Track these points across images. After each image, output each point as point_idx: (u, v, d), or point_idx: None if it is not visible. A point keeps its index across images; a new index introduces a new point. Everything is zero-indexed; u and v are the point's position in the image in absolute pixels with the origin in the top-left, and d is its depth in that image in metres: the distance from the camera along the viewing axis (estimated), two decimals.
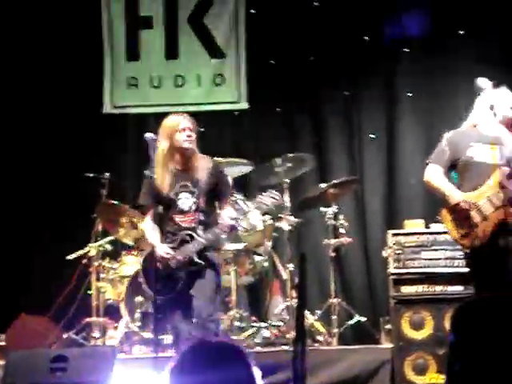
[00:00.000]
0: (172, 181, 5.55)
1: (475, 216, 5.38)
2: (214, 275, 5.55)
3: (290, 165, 7.16)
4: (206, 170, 5.57)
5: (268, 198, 5.54)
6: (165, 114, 5.75)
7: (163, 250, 5.48)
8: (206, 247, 5.50)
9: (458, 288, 6.28)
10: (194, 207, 5.50)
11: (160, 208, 5.59)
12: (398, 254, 6.39)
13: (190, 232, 5.47)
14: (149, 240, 5.72)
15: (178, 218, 5.55)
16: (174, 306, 5.48)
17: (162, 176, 5.54)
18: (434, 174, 5.57)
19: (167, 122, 5.61)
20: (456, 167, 5.58)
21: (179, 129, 5.52)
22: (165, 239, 5.59)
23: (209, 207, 5.60)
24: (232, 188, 6.62)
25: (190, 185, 5.52)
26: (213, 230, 5.49)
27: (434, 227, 6.50)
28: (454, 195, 5.45)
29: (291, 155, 7.19)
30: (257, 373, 2.16)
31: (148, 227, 5.69)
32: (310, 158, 7.47)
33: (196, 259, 5.45)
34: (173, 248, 5.50)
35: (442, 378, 6.06)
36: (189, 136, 5.52)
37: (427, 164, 5.66)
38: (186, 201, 5.52)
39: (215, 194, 5.63)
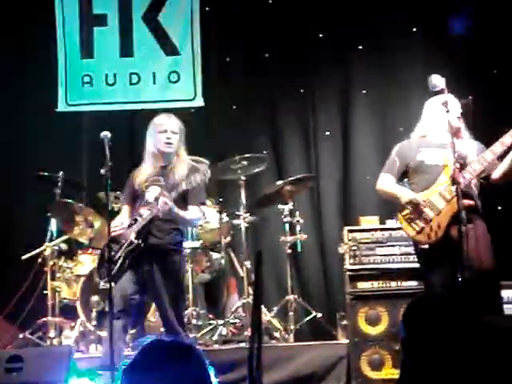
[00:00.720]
0: (145, 176, 5.67)
1: (428, 211, 5.45)
2: (167, 262, 5.60)
3: (246, 163, 7.17)
4: (185, 174, 5.65)
5: (197, 176, 5.55)
6: (120, 112, 5.74)
7: (116, 222, 5.63)
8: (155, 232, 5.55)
9: (413, 283, 6.33)
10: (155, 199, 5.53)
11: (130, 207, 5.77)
12: (354, 250, 6.44)
13: (136, 217, 5.55)
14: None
15: (142, 210, 5.60)
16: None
17: (141, 172, 5.71)
18: (386, 182, 5.71)
19: (153, 121, 5.79)
20: (407, 174, 5.68)
21: (161, 130, 5.65)
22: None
23: (176, 205, 5.60)
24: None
25: (163, 182, 5.59)
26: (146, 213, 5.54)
27: (389, 223, 6.56)
28: (406, 194, 5.53)
29: (247, 154, 7.19)
30: (211, 371, 2.16)
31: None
32: (266, 158, 7.48)
33: (133, 239, 5.51)
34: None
35: (397, 373, 6.09)
36: (168, 138, 5.63)
37: (380, 174, 5.77)
38: (151, 193, 5.56)
39: (185, 198, 5.67)
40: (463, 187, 5.30)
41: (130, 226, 5.58)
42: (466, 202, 5.29)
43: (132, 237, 5.52)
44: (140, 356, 2.10)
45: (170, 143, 5.66)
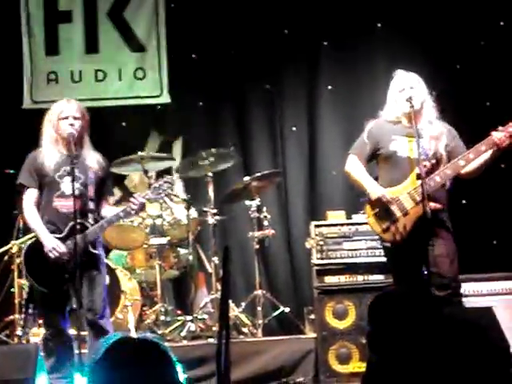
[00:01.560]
0: (57, 164, 5.43)
1: (396, 211, 5.47)
2: (103, 273, 5.50)
3: (213, 159, 7.18)
4: (95, 162, 5.50)
5: (164, 184, 5.54)
6: (86, 109, 5.69)
7: (53, 243, 5.33)
8: (97, 243, 5.44)
9: (379, 277, 6.39)
10: (77, 192, 5.30)
11: (39, 190, 5.47)
12: (321, 244, 6.48)
13: (81, 221, 5.32)
14: (32, 227, 5.53)
15: (57, 202, 5.40)
16: (62, 301, 5.38)
17: (46, 157, 5.44)
18: (355, 167, 5.66)
19: (51, 109, 5.53)
20: (376, 158, 5.68)
21: (62, 117, 5.43)
22: (46, 228, 5.42)
23: (97, 198, 5.50)
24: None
25: (76, 170, 5.33)
26: (117, 213, 5.42)
27: (356, 218, 6.61)
28: (375, 190, 5.53)
29: (214, 150, 7.20)
30: (179, 368, 2.18)
31: (30, 212, 5.48)
32: (233, 153, 7.50)
33: (91, 249, 5.35)
34: (61, 238, 5.36)
35: (365, 366, 6.16)
36: (71, 125, 5.40)
37: (348, 154, 5.75)
38: (69, 184, 5.33)
39: (102, 188, 5.54)
40: (431, 190, 5.33)
41: (71, 232, 5.29)
42: (433, 205, 5.33)
43: (90, 248, 5.34)
44: (107, 354, 2.11)
45: (72, 130, 5.39)
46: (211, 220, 7.14)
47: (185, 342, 6.67)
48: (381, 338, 2.34)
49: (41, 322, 6.69)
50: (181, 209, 7.38)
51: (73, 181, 5.27)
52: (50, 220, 5.43)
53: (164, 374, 2.10)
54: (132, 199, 5.40)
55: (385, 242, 5.59)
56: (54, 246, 5.32)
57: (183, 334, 6.82)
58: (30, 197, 5.50)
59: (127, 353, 2.10)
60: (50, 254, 5.32)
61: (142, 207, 5.59)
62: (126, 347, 2.12)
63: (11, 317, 7.01)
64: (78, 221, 5.28)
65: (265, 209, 7.18)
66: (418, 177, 5.29)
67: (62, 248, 5.31)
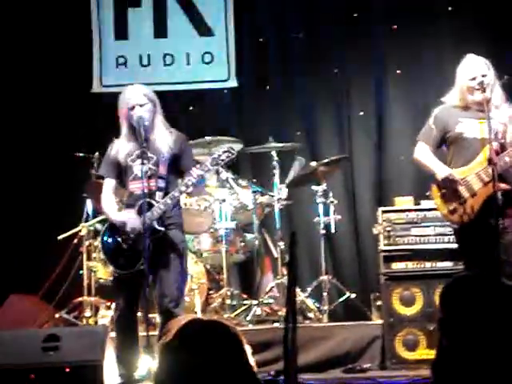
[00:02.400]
0: (130, 150, 5.48)
1: (463, 191, 5.43)
2: (178, 256, 5.45)
3: (279, 145, 7.18)
4: (168, 140, 5.50)
5: (223, 154, 5.51)
6: (154, 94, 5.71)
7: (119, 216, 5.42)
8: (170, 224, 5.43)
9: (448, 264, 6.31)
10: (149, 173, 5.34)
11: (116, 179, 5.55)
12: (388, 231, 6.42)
13: (148, 200, 5.31)
14: (104, 211, 5.67)
15: (132, 185, 5.45)
16: (137, 282, 5.36)
17: (121, 146, 5.52)
18: (423, 152, 5.66)
19: (120, 99, 5.55)
20: (445, 143, 5.63)
21: (129, 106, 5.45)
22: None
23: (171, 176, 5.49)
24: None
25: (147, 152, 5.37)
26: (172, 194, 5.37)
27: (424, 204, 6.53)
28: (442, 171, 5.51)
29: (281, 144, 7.19)
30: (248, 350, 2.18)
31: (105, 199, 5.58)
32: (299, 139, 7.50)
33: (157, 226, 5.34)
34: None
35: (432, 353, 6.07)
36: (139, 113, 5.40)
37: (416, 142, 5.73)
38: (141, 167, 5.36)
39: (178, 165, 5.53)
40: (500, 170, 5.26)
41: (140, 212, 5.33)
42: (503, 185, 5.26)
43: (155, 225, 5.33)
44: (179, 335, 2.12)
45: (140, 118, 5.40)
46: (277, 205, 7.14)
47: (250, 326, 6.68)
48: (453, 324, 2.30)
49: (109, 304, 6.79)
50: (247, 193, 7.37)
51: (142, 164, 5.31)
52: (128, 204, 5.52)
53: (234, 356, 2.10)
54: (191, 171, 5.37)
55: (453, 224, 5.54)
56: (125, 217, 5.37)
57: (249, 318, 6.83)
58: (107, 186, 5.60)
59: (198, 335, 2.11)
60: (128, 228, 5.35)
61: (202, 178, 5.50)
62: (197, 329, 2.13)
63: (80, 299, 7.11)
64: (147, 200, 5.30)
65: (331, 194, 7.14)
66: (490, 161, 5.21)
67: (132, 214, 5.36)
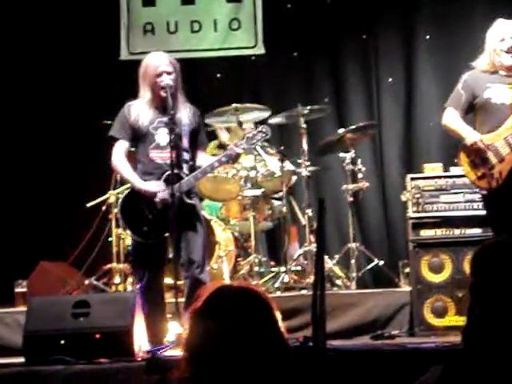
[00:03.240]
0: (151, 117, 5.43)
1: (492, 157, 5.39)
2: (201, 224, 5.47)
3: (307, 112, 7.15)
4: (189, 113, 5.49)
5: (258, 134, 5.51)
6: (181, 61, 5.69)
7: (147, 186, 5.36)
8: (192, 194, 5.44)
9: (477, 231, 6.26)
10: (172, 143, 5.29)
11: (132, 144, 5.50)
12: (417, 197, 6.38)
13: (175, 171, 5.28)
14: (126, 177, 5.57)
15: (153, 153, 5.40)
16: (161, 249, 5.42)
17: (141, 111, 5.45)
18: (452, 118, 5.63)
19: (144, 64, 5.49)
20: (473, 109, 5.59)
21: (156, 73, 5.39)
22: (143, 179, 5.43)
23: (192, 149, 5.50)
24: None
25: (170, 122, 5.32)
26: (204, 168, 5.41)
27: (453, 171, 6.49)
28: (471, 136, 5.48)
29: (309, 107, 7.16)
30: (279, 316, 2.18)
31: (120, 163, 5.51)
32: (327, 108, 7.46)
33: (186, 200, 5.35)
34: None
35: (461, 320, 6.09)
36: (165, 81, 5.35)
37: (445, 108, 5.69)
38: (164, 136, 5.35)
39: (196, 139, 5.54)
40: None
41: (166, 181, 5.31)
42: None
43: (185, 198, 5.33)
44: (208, 301, 2.12)
45: (168, 86, 5.35)
46: (305, 172, 7.13)
47: (278, 293, 6.69)
48: (484, 291, 2.29)
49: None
50: (275, 161, 7.36)
51: (171, 131, 5.30)
52: (146, 171, 5.47)
53: (265, 322, 2.11)
54: (228, 148, 5.40)
55: (481, 190, 5.52)
56: (155, 188, 5.33)
57: (277, 285, 6.84)
58: (119, 148, 5.52)
59: (229, 300, 2.11)
60: (157, 199, 5.34)
61: (237, 158, 5.57)
62: (227, 295, 2.13)
63: (109, 265, 7.16)
64: (175, 172, 5.28)
65: (359, 161, 7.12)
66: None
67: (162, 185, 5.34)
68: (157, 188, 5.35)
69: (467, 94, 5.57)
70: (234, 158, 5.47)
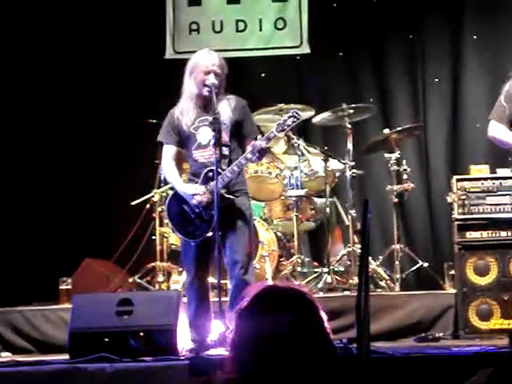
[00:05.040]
0: (193, 116, 5.44)
1: None
2: (246, 223, 5.42)
3: (352, 111, 7.11)
4: (226, 108, 5.44)
5: (289, 119, 5.45)
6: (226, 60, 5.68)
7: (192, 188, 5.37)
8: (236, 191, 5.41)
9: None
10: (213, 141, 5.28)
11: (179, 146, 5.51)
12: (463, 199, 6.31)
13: (212, 167, 5.27)
14: (170, 181, 5.69)
15: (196, 154, 5.42)
16: (206, 249, 5.38)
17: (183, 112, 5.47)
18: (497, 130, 5.65)
19: (193, 62, 5.48)
20: None
21: (205, 71, 5.38)
22: (188, 180, 5.52)
23: (234, 143, 5.45)
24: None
25: (210, 119, 5.32)
26: (238, 161, 5.34)
27: (500, 172, 6.41)
28: None
29: (354, 105, 7.12)
30: (324, 317, 2.16)
31: (167, 167, 5.56)
32: (372, 106, 7.42)
33: (225, 194, 5.31)
34: None
35: (506, 323, 6.05)
36: (211, 80, 5.33)
37: (489, 120, 5.66)
38: (205, 135, 5.36)
39: (240, 131, 5.48)
40: None
41: (205, 180, 5.35)
42: None
43: (224, 193, 5.29)
44: (255, 301, 2.11)
45: (214, 85, 5.33)
46: (349, 172, 7.09)
47: (321, 294, 6.66)
48: None
49: (181, 269, 6.83)
50: (318, 161, 7.33)
51: (215, 131, 5.29)
52: (193, 172, 5.51)
53: (311, 322, 2.09)
54: (251, 145, 5.33)
55: None
56: (192, 192, 5.36)
57: (320, 285, 6.81)
58: (167, 153, 5.56)
59: (275, 300, 2.10)
60: (194, 201, 5.36)
61: (262, 152, 5.41)
62: (274, 295, 2.12)
63: (152, 264, 7.18)
64: (212, 168, 5.29)
65: (404, 162, 7.06)
66: None
67: (201, 188, 5.34)
68: (194, 191, 5.36)
69: (510, 105, 5.53)
70: (258, 154, 5.31)
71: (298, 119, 5.40)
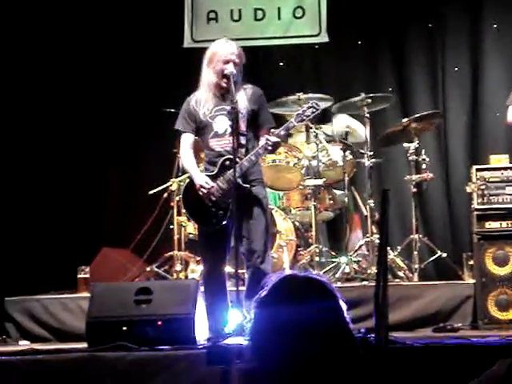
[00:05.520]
0: (210, 105, 5.43)
1: None
2: (263, 212, 5.41)
3: (371, 101, 7.08)
4: (246, 95, 5.43)
5: (308, 110, 5.42)
6: (244, 49, 5.66)
7: (203, 179, 5.37)
8: (252, 180, 5.40)
9: None
10: (229, 130, 5.31)
11: (195, 134, 5.51)
12: (482, 189, 6.28)
13: (229, 156, 5.28)
14: (186, 169, 5.70)
15: (213, 142, 5.41)
16: (223, 238, 5.38)
17: (200, 101, 5.46)
18: None
19: (211, 51, 5.47)
20: None
21: (223, 60, 5.37)
22: (204, 169, 5.51)
23: (250, 132, 5.44)
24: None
25: (227, 108, 5.33)
26: (256, 150, 5.34)
27: None
28: None
29: (373, 94, 7.09)
30: (344, 306, 2.15)
31: (185, 155, 5.57)
32: (392, 97, 7.39)
33: (242, 183, 5.29)
34: (213, 176, 5.39)
35: None
36: (230, 70, 5.32)
37: (507, 106, 5.63)
38: (221, 124, 5.37)
39: (256, 120, 5.47)
40: None
41: (222, 169, 5.36)
42: None
43: (240, 182, 5.28)
44: (275, 290, 2.10)
45: (232, 74, 5.31)
46: (367, 162, 7.06)
47: (339, 284, 6.65)
48: None
49: (199, 258, 6.83)
50: (337, 150, 7.30)
51: (233, 121, 5.28)
52: (209, 161, 5.50)
53: (331, 311, 2.08)
54: (267, 136, 5.32)
55: None
56: (201, 183, 5.36)
57: (338, 275, 6.80)
58: (185, 141, 5.57)
59: (294, 289, 2.08)
60: (200, 192, 5.37)
61: (275, 146, 5.39)
62: (293, 284, 2.11)
63: (170, 253, 7.18)
64: (229, 157, 5.30)
65: (423, 151, 7.01)
66: None
67: (211, 183, 5.35)
68: (203, 183, 5.35)
69: None
70: (270, 148, 5.33)
71: (317, 110, 5.43)
